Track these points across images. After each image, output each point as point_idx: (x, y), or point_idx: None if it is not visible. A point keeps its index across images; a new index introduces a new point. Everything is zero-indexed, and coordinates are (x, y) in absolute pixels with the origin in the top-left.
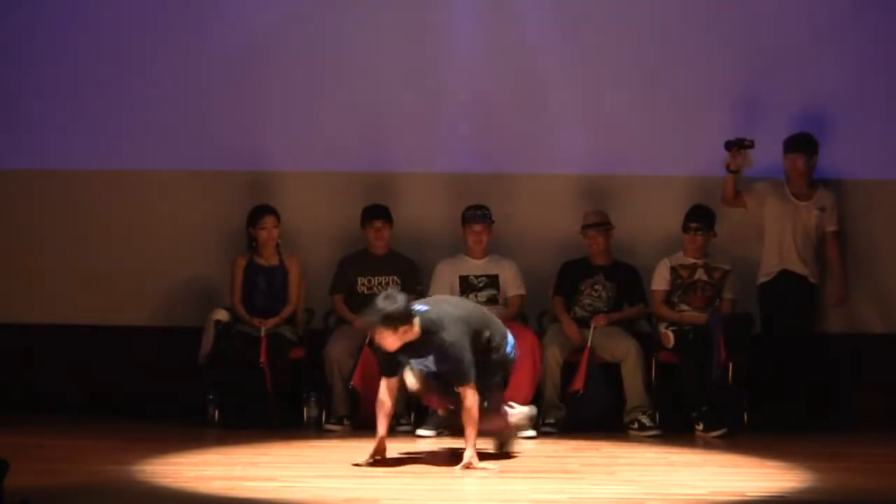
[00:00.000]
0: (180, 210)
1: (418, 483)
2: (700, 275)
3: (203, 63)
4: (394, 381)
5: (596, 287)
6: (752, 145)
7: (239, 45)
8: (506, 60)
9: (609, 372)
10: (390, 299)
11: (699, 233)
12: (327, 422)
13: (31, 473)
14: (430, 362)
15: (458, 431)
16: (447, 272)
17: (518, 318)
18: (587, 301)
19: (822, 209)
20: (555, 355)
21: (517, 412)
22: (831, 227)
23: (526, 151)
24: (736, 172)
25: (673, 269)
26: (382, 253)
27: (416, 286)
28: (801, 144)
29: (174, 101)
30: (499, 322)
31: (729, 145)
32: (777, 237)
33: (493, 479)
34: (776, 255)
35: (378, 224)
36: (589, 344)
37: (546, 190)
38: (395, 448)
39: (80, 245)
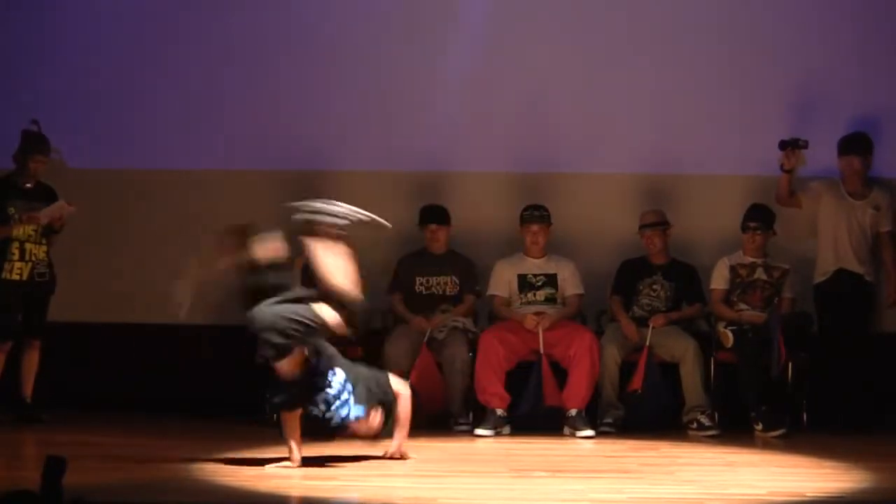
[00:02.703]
0: (238, 210)
1: (476, 483)
2: (759, 274)
3: (269, 63)
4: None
5: (654, 287)
6: (805, 145)
7: (299, 46)
8: (565, 60)
9: (667, 372)
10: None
11: (758, 232)
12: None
13: (90, 471)
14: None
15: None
16: (506, 271)
17: (576, 317)
18: (646, 301)
19: (877, 208)
20: (613, 355)
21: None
22: (886, 227)
23: (585, 151)
24: (790, 172)
25: (732, 269)
26: (440, 253)
27: (475, 286)
28: (857, 145)
29: (243, 101)
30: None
31: (783, 145)
32: (832, 236)
33: (551, 479)
34: (831, 254)
35: (433, 227)
36: (647, 343)
37: (604, 189)
38: (453, 448)
39: (141, 244)
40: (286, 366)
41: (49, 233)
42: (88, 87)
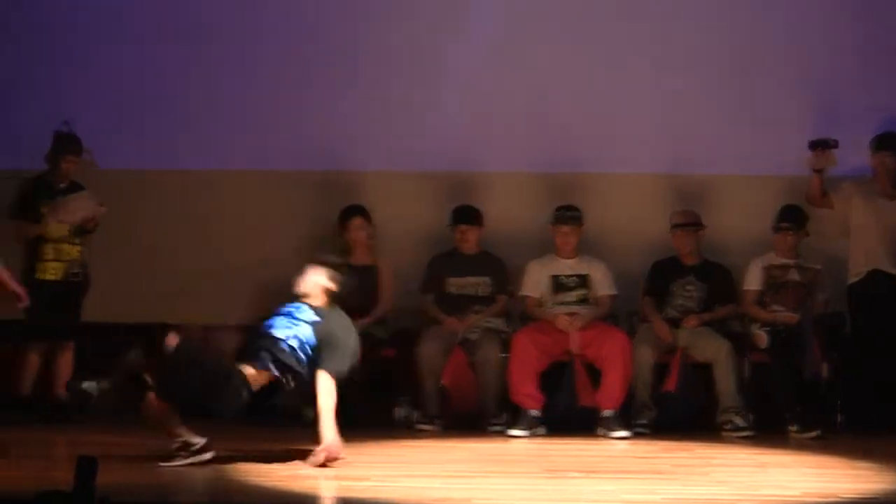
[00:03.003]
0: (278, 210)
1: (510, 483)
2: (792, 275)
3: (298, 63)
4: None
5: (687, 287)
6: (836, 145)
7: (327, 46)
8: (595, 60)
9: (701, 373)
10: None
11: (790, 232)
12: (419, 421)
13: (121, 471)
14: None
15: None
16: (538, 272)
17: (608, 318)
18: (679, 301)
19: None
20: (646, 356)
21: None
22: None
23: (617, 151)
24: (820, 172)
25: (765, 269)
26: (472, 253)
27: (507, 286)
28: (890, 142)
29: (272, 102)
30: None
31: (813, 145)
32: (863, 236)
33: (585, 480)
34: (863, 254)
35: (463, 227)
36: (680, 344)
37: (637, 190)
38: (487, 448)
39: (189, 245)
40: (256, 378)
41: (82, 233)
42: (119, 87)
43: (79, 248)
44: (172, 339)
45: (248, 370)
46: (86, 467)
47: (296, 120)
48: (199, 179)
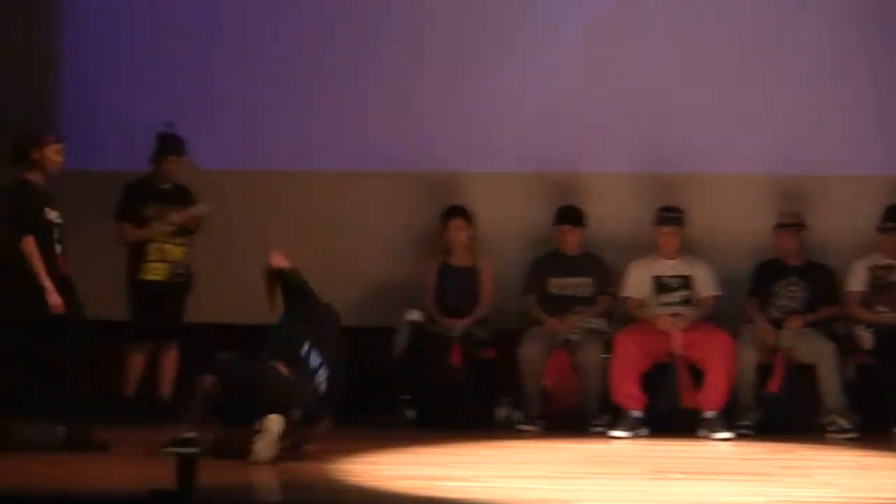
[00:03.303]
0: (374, 211)
1: (612, 484)
2: None
3: (399, 65)
4: None
5: (791, 288)
6: None
7: (436, 48)
8: (700, 60)
9: (804, 374)
10: None
11: (895, 233)
12: (520, 422)
13: (222, 471)
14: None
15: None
16: (640, 272)
17: (712, 318)
18: (782, 302)
19: None
20: (750, 357)
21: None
22: None
23: (720, 151)
24: None
25: (869, 270)
26: (574, 254)
27: (609, 287)
28: None
29: (372, 103)
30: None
31: None
32: None
33: (688, 482)
34: None
35: (565, 227)
36: (784, 345)
37: (740, 190)
38: (589, 449)
39: (276, 245)
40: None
41: (184, 233)
42: (220, 88)
43: (183, 248)
44: (208, 381)
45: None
46: (187, 466)
47: (398, 121)
48: (295, 180)
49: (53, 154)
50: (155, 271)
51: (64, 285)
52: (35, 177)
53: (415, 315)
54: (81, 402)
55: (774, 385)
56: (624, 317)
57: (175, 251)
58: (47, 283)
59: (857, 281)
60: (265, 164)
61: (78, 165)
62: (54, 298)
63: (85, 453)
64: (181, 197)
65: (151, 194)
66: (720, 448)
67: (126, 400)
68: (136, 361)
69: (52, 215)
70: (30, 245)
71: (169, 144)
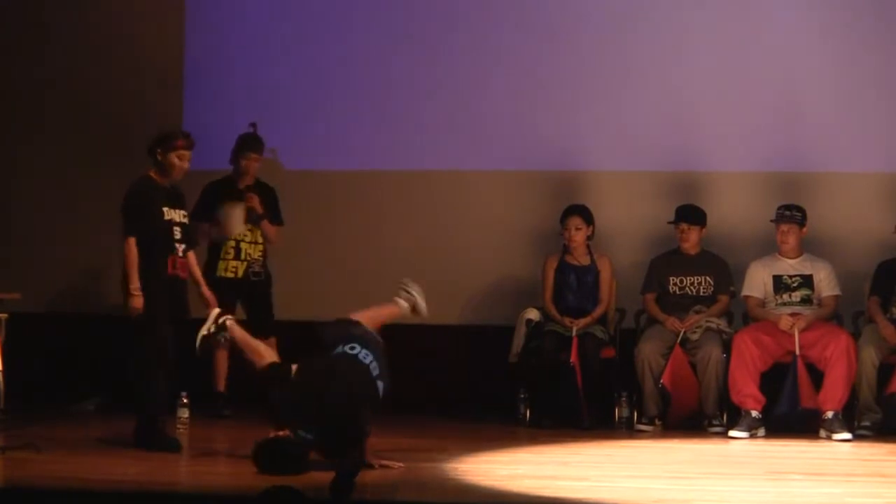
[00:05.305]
0: (493, 210)
1: (731, 485)
2: None
3: (519, 65)
4: None
5: None
6: None
7: (563, 49)
8: (821, 59)
9: None
10: None
11: None
12: (639, 422)
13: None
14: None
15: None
16: (760, 272)
17: (833, 318)
18: None
19: None
20: (870, 357)
21: None
22: None
23: (842, 150)
24: None
25: None
26: (694, 253)
27: (729, 286)
28: None
29: (486, 101)
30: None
31: None
32: None
33: (807, 483)
34: None
35: (683, 226)
36: None
37: (862, 189)
38: (707, 449)
39: (396, 244)
40: None
41: (254, 220)
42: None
43: (261, 247)
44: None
45: None
46: (348, 471)
47: (515, 120)
48: (411, 179)
49: (176, 158)
50: (232, 269)
51: (174, 285)
52: (157, 176)
53: (532, 313)
54: (155, 401)
55: (895, 386)
56: (744, 316)
57: (253, 251)
58: (132, 286)
59: None
60: (374, 164)
61: None
62: (136, 301)
63: (151, 451)
64: (263, 195)
65: (230, 193)
66: (839, 449)
67: (218, 395)
68: (220, 359)
69: (174, 215)
70: (129, 246)
71: (247, 142)
